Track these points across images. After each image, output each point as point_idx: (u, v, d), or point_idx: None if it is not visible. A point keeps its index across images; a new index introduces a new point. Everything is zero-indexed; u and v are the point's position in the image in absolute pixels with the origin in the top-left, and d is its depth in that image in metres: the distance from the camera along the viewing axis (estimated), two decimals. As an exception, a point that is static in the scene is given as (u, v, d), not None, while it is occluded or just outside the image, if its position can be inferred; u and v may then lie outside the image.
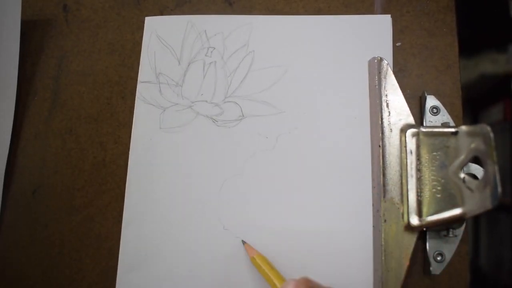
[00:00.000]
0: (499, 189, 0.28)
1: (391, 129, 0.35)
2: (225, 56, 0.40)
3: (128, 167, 0.38)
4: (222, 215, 0.37)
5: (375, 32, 0.39)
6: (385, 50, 0.38)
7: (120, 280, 0.37)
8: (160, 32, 0.41)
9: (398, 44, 0.38)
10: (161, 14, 0.42)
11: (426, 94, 0.36)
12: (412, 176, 0.34)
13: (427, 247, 0.34)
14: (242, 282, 0.36)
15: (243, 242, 0.36)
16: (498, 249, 0.86)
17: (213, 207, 0.37)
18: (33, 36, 0.42)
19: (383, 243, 0.34)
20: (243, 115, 0.39)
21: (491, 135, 0.29)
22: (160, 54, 0.40)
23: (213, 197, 0.37)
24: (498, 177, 0.28)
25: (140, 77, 0.40)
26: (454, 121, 0.36)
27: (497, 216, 0.88)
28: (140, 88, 0.40)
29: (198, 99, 0.39)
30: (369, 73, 0.37)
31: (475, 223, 0.92)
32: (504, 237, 0.85)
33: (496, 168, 0.29)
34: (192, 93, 0.39)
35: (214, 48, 0.40)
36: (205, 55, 0.40)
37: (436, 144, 0.34)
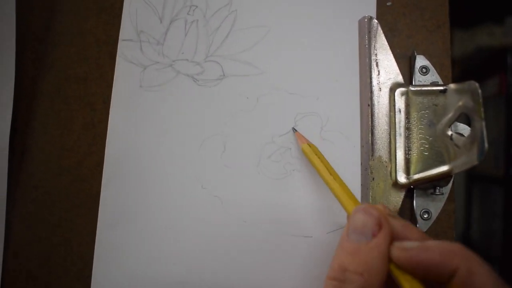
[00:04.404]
0: (486, 145, 0.28)
1: (380, 88, 0.35)
2: (207, 15, 0.39)
3: (108, 125, 0.38)
4: (200, 174, 0.37)
5: None
6: (370, 9, 0.38)
7: (99, 238, 0.37)
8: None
9: (388, 3, 0.38)
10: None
11: (415, 54, 0.36)
12: (400, 134, 0.35)
13: (414, 205, 0.35)
14: (219, 239, 0.36)
15: (294, 130, 0.36)
16: (490, 221, 0.87)
17: (192, 166, 0.37)
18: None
19: (370, 200, 0.34)
20: (224, 75, 0.38)
21: (479, 91, 0.30)
22: (141, 12, 0.40)
23: (192, 156, 0.37)
24: (485, 133, 0.28)
25: (121, 35, 0.39)
26: (443, 81, 0.36)
27: (490, 189, 0.88)
28: (121, 46, 0.39)
29: (179, 57, 0.39)
30: (359, 33, 0.37)
31: (467, 196, 0.93)
32: (496, 210, 0.85)
33: (483, 124, 0.29)
34: (173, 51, 0.39)
35: (197, 7, 0.39)
36: (187, 14, 0.39)
37: (424, 102, 0.35)
